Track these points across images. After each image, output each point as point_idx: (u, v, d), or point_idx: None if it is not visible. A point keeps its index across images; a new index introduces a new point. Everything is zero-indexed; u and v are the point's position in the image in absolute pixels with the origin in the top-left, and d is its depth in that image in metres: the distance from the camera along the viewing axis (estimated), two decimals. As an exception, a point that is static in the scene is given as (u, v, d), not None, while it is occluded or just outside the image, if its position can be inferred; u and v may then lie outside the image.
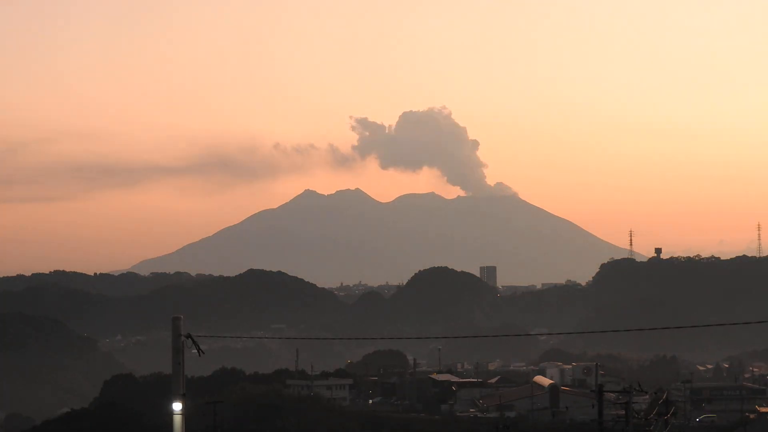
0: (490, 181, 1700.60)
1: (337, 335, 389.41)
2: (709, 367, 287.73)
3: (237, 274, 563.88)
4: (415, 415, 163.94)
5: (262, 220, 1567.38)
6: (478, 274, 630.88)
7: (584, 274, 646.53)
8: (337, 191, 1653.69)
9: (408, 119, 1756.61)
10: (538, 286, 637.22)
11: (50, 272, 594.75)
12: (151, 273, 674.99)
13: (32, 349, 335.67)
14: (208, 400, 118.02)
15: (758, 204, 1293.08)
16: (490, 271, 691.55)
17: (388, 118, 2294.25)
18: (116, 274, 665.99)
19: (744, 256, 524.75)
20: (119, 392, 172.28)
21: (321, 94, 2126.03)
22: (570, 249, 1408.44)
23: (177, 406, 33.81)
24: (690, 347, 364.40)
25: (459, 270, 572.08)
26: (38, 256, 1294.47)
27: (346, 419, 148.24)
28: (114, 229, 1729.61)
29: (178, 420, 33.88)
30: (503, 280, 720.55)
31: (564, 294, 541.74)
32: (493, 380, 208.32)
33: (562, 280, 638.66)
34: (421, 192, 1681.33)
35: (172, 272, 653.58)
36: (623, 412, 63.75)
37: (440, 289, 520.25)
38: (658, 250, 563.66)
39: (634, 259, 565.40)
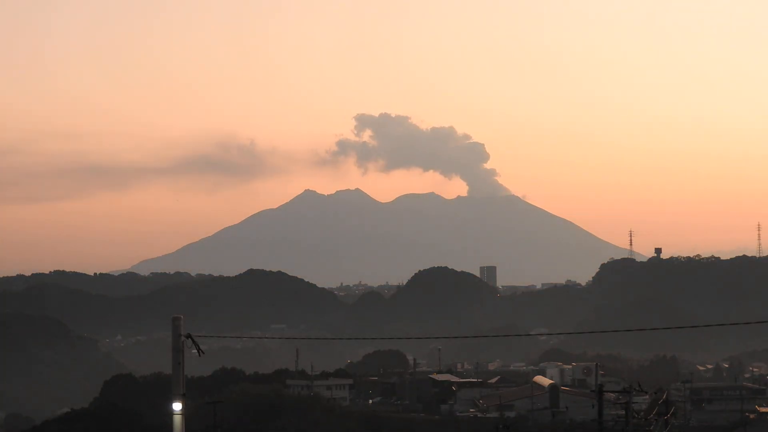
0: (490, 181, 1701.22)
1: (337, 335, 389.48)
2: (709, 367, 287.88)
3: (237, 274, 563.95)
4: (415, 415, 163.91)
5: (262, 220, 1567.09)
6: (478, 274, 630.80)
7: (584, 274, 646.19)
8: (337, 191, 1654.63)
9: (408, 119, 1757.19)
10: (538, 286, 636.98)
11: (50, 272, 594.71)
12: (151, 273, 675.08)
13: (32, 349, 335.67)
14: (208, 400, 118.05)
15: (758, 204, 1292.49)
16: (490, 271, 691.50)
17: (388, 117, 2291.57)
18: (116, 274, 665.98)
19: (744, 256, 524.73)
20: (119, 392, 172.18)
21: (322, 94, 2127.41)
22: (570, 249, 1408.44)
23: (177, 406, 33.81)
24: (690, 347, 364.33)
25: (459, 270, 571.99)
26: (38, 256, 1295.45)
27: (346, 419, 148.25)
28: (114, 229, 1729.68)
29: (178, 420, 33.88)
30: (503, 280, 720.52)
31: (564, 294, 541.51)
32: (493, 380, 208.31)
33: (562, 280, 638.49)
34: (421, 192, 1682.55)
35: (172, 272, 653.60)
36: (623, 412, 63.79)
37: (440, 289, 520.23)
38: (658, 250, 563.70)
39: (634, 259, 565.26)
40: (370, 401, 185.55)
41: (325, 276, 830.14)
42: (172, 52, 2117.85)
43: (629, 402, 63.77)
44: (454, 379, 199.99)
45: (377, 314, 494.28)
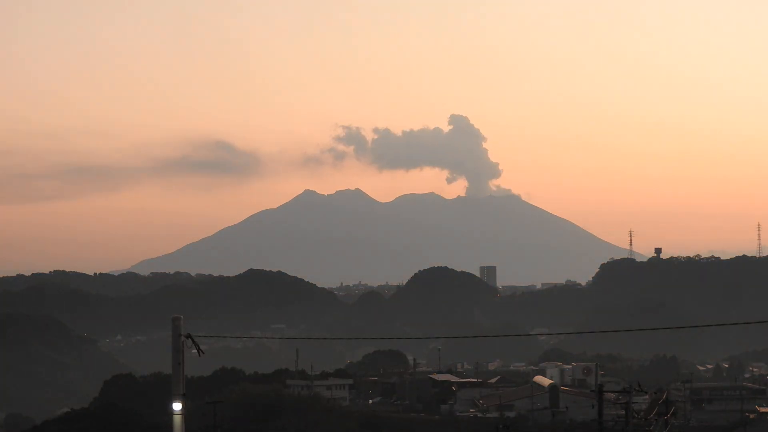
0: (491, 181, 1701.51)
1: (337, 335, 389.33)
2: (709, 367, 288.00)
3: (237, 274, 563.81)
4: (415, 415, 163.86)
5: (262, 220, 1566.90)
6: (478, 274, 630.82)
7: (584, 274, 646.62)
8: (337, 191, 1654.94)
9: (408, 119, 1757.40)
10: (538, 286, 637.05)
11: (50, 272, 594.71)
12: (151, 273, 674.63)
13: (32, 349, 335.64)
14: (208, 400, 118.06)
15: (758, 204, 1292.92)
16: (490, 271, 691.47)
17: (388, 117, 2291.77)
18: (116, 274, 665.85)
19: (744, 256, 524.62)
20: (119, 392, 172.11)
21: (322, 94, 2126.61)
22: (570, 249, 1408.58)
23: (177, 406, 33.80)
24: (690, 347, 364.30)
25: (459, 270, 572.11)
26: (38, 256, 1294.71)
27: (346, 419, 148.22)
28: (114, 229, 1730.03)
29: (178, 420, 33.87)
30: (503, 280, 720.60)
31: (564, 294, 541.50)
32: (493, 380, 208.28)
33: (562, 280, 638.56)
34: (421, 192, 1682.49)
35: (172, 272, 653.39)
36: (623, 412, 63.77)
37: (440, 289, 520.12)
38: (658, 250, 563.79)
39: (634, 259, 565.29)
40: (370, 401, 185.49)
41: (325, 276, 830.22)
42: (167, 52, 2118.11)
43: (629, 402, 63.77)
44: (454, 379, 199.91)
45: (377, 314, 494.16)
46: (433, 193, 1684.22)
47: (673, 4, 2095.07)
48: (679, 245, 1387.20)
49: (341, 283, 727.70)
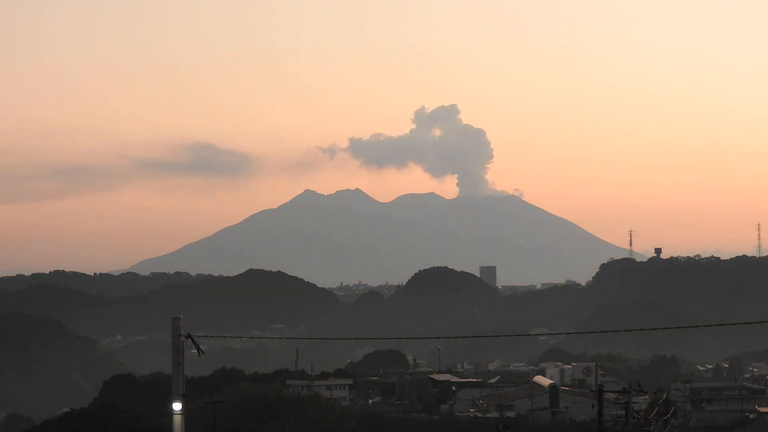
0: (490, 181, 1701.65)
1: (337, 335, 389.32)
2: (709, 367, 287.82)
3: (237, 274, 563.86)
4: (415, 415, 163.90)
5: (262, 220, 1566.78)
6: (478, 274, 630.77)
7: (584, 274, 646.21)
8: (337, 191, 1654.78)
9: (409, 119, 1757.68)
10: (538, 286, 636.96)
11: (50, 272, 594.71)
12: (151, 273, 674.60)
13: (32, 349, 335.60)
14: (208, 400, 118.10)
15: (758, 204, 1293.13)
16: (490, 271, 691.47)
17: (388, 117, 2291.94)
18: (116, 274, 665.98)
19: (744, 256, 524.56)
20: (119, 392, 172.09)
21: (322, 93, 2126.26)
22: (570, 249, 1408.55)
23: (177, 406, 33.80)
24: (690, 347, 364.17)
25: (459, 270, 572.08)
26: (38, 256, 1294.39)
27: (346, 419, 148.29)
28: (114, 229, 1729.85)
29: (178, 420, 33.87)
30: (503, 280, 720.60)
31: (564, 294, 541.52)
32: (493, 380, 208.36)
33: (562, 280, 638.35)
34: (421, 192, 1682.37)
35: (172, 272, 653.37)
36: (623, 412, 63.78)
37: (440, 289, 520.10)
38: (658, 250, 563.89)
39: (634, 259, 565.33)
40: (370, 401, 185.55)
41: (325, 276, 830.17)
42: (167, 51, 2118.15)
43: (629, 402, 63.77)
44: (454, 379, 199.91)
45: (377, 314, 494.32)
46: (433, 193, 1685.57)
47: (674, 4, 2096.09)
48: (679, 245, 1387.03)
49: (341, 283, 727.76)
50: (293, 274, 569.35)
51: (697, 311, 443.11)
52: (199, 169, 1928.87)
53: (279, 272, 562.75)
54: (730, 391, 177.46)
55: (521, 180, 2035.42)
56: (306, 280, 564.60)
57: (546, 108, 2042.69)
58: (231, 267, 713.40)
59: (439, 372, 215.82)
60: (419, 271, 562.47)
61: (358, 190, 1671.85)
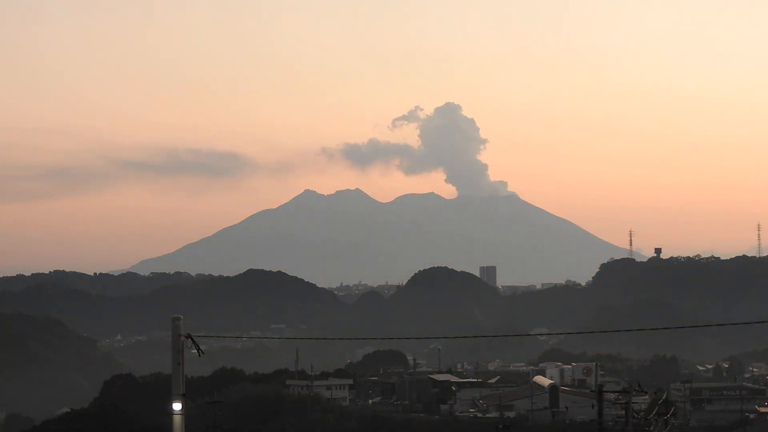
0: (490, 181, 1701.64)
1: (337, 335, 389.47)
2: (709, 367, 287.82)
3: (237, 274, 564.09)
4: (415, 415, 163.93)
5: (262, 220, 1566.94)
6: (478, 274, 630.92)
7: (584, 274, 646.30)
8: (337, 191, 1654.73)
9: (410, 120, 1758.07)
10: (538, 286, 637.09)
11: (50, 272, 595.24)
12: (151, 273, 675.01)
13: (32, 349, 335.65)
14: (208, 400, 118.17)
15: (758, 204, 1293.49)
16: (490, 271, 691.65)
17: (388, 117, 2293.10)
18: (116, 274, 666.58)
19: (744, 256, 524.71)
20: (119, 392, 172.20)
21: (322, 93, 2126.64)
22: (570, 249, 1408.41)
23: (177, 406, 33.77)
24: (690, 347, 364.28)
25: (459, 270, 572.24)
26: (38, 256, 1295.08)
27: (346, 419, 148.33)
28: (114, 229, 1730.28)
29: (178, 420, 33.85)
30: (503, 280, 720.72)
31: (564, 294, 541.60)
32: (493, 380, 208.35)
33: (562, 280, 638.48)
34: (421, 192, 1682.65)
35: (172, 272, 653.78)
36: (623, 412, 63.79)
37: (440, 289, 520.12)
38: (658, 250, 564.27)
39: (634, 259, 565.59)
40: (370, 401, 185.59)
41: (325, 276, 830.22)
42: (166, 52, 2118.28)
43: (629, 402, 63.77)
44: (454, 379, 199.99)
45: (377, 314, 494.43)
46: (432, 193, 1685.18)
47: (671, 7, 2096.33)
48: (679, 245, 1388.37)
49: (341, 283, 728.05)
50: (293, 274, 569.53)
51: (697, 311, 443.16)
52: (199, 170, 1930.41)
53: (279, 272, 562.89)
54: (730, 391, 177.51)
55: (521, 180, 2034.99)
56: (306, 280, 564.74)
57: (546, 108, 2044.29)
58: (231, 267, 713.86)
59: (439, 372, 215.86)
60: (419, 271, 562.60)
61: (358, 190, 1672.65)
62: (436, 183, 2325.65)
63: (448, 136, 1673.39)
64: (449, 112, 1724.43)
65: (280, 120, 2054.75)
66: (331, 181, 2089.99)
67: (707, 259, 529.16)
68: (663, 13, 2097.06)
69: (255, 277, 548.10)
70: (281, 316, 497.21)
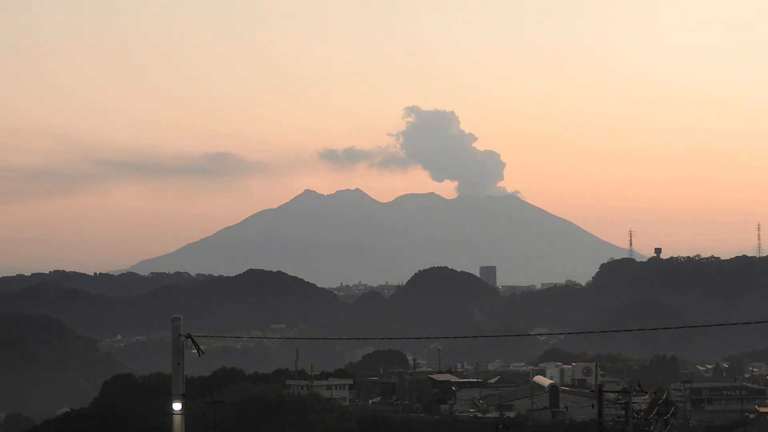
0: (490, 181, 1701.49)
1: (337, 335, 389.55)
2: (709, 367, 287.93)
3: (237, 274, 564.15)
4: (415, 415, 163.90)
5: (262, 220, 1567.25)
6: (478, 274, 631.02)
7: (584, 274, 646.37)
8: (337, 191, 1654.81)
9: (409, 119, 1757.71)
10: (538, 286, 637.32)
11: (50, 272, 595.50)
12: (151, 273, 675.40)
13: (32, 349, 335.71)
14: (208, 400, 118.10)
15: (758, 204, 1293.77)
16: (490, 271, 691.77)
17: (388, 117, 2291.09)
18: (116, 274, 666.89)
19: (744, 256, 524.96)
20: (119, 392, 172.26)
21: (322, 93, 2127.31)
22: (570, 249, 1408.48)
23: (177, 406, 33.77)
24: (690, 347, 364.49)
25: (459, 270, 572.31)
26: (38, 256, 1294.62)
27: (346, 419, 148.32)
28: (114, 229, 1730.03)
29: (178, 420, 33.85)
30: (503, 280, 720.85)
31: (564, 294, 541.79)
32: (493, 380, 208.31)
33: (562, 280, 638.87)
34: (421, 192, 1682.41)
35: (172, 272, 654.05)
36: (623, 412, 63.80)
37: (440, 289, 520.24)
38: (658, 250, 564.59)
39: (634, 259, 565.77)
40: (370, 401, 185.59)
41: (325, 276, 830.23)
42: (167, 53, 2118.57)
43: (629, 402, 63.77)
44: (454, 379, 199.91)
45: (377, 314, 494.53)
46: (432, 193, 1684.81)
47: (668, 5, 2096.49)
48: (679, 245, 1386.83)
49: (341, 283, 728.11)
50: (293, 274, 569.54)
51: (697, 311, 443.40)
52: (199, 170, 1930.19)
53: (279, 272, 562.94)
54: (730, 391, 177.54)
55: (521, 180, 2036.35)
56: (306, 280, 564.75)
57: (546, 108, 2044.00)
58: (231, 267, 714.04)
59: (439, 372, 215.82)
60: (419, 271, 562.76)
61: (358, 190, 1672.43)
62: (436, 183, 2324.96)
63: (448, 137, 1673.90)
64: (450, 112, 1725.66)
65: (281, 120, 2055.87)
66: (331, 181, 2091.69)
67: (707, 259, 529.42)
68: (664, 17, 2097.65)
69: (255, 277, 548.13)
70: (281, 316, 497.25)
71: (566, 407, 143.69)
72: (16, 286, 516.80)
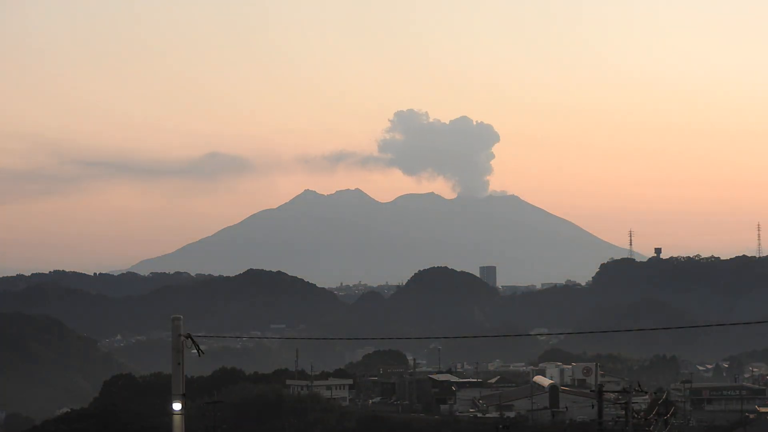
0: (490, 181, 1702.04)
1: (337, 335, 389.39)
2: (709, 367, 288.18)
3: (237, 274, 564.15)
4: (415, 415, 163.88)
5: (262, 220, 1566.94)
6: (478, 274, 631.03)
7: (584, 274, 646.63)
8: (337, 191, 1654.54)
9: (409, 119, 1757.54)
10: (538, 286, 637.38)
11: (50, 272, 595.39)
12: (151, 273, 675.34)
13: (32, 349, 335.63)
14: (208, 400, 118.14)
15: (758, 204, 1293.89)
16: (490, 271, 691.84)
17: (388, 118, 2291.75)
18: (116, 274, 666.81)
19: (744, 256, 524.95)
20: (119, 392, 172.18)
21: (323, 93, 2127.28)
22: (570, 249, 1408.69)
23: (177, 406, 33.80)
24: (690, 347, 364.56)
25: (459, 270, 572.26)
26: (38, 256, 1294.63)
27: (346, 419, 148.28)
28: (114, 229, 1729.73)
29: (178, 420, 33.87)
30: (503, 280, 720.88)
31: (564, 294, 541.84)
32: (493, 380, 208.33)
33: (562, 280, 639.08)
34: (421, 192, 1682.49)
35: (172, 272, 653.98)
36: (623, 412, 63.81)
37: (440, 289, 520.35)
38: (658, 250, 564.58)
39: (634, 259, 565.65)
40: (370, 401, 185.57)
41: (325, 276, 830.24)
42: (171, 53, 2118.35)
43: (629, 402, 63.79)
44: (454, 379, 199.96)
45: (377, 314, 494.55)
46: (432, 193, 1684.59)
47: (669, 5, 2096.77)
48: (679, 245, 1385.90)
49: (341, 283, 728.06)
50: (293, 274, 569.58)
51: (697, 311, 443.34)
52: (199, 170, 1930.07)
53: (279, 272, 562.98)
54: (730, 391, 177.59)
55: (521, 180, 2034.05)
56: (306, 280, 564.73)
57: (546, 108, 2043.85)
58: (231, 267, 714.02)
59: (439, 372, 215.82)
60: (419, 271, 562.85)
61: (358, 190, 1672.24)
62: (436, 183, 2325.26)
63: (448, 137, 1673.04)
64: (450, 112, 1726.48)
65: (281, 120, 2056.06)
66: (331, 181, 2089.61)
67: (707, 259, 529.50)
68: (666, 17, 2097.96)
69: (255, 277, 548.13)
70: (281, 316, 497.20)
71: (566, 407, 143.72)
72: (16, 286, 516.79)
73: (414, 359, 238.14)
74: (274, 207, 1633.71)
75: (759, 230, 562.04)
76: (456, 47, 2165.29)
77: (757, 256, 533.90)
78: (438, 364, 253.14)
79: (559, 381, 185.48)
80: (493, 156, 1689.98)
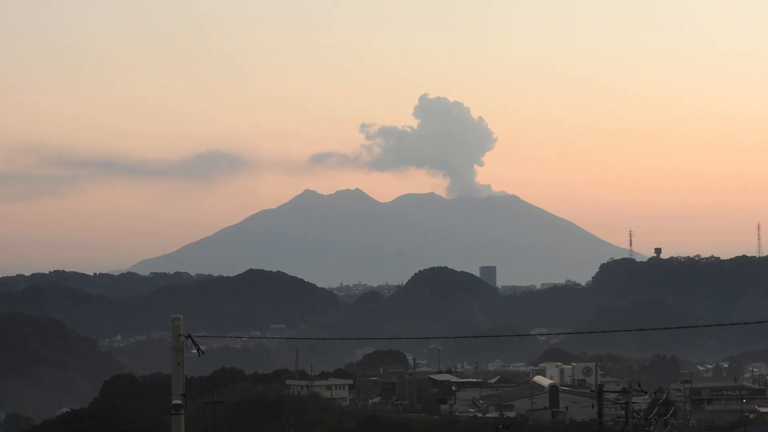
0: (490, 181, 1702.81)
1: (337, 335, 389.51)
2: (709, 367, 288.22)
3: (237, 274, 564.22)
4: (415, 415, 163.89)
5: (262, 220, 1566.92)
6: (478, 274, 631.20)
7: (584, 274, 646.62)
8: (337, 191, 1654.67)
9: (409, 120, 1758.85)
10: (538, 286, 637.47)
11: (50, 272, 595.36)
12: (151, 273, 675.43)
13: (32, 349, 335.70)
14: (208, 400, 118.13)
15: (758, 204, 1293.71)
16: (490, 271, 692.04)
17: (388, 118, 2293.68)
18: (116, 274, 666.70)
19: (744, 256, 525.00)
20: (119, 392, 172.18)
21: (323, 93, 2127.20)
22: (570, 249, 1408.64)
23: (177, 406, 33.75)
24: (690, 347, 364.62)
25: (459, 270, 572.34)
26: (38, 256, 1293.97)
27: (346, 419, 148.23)
28: (114, 229, 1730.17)
29: (178, 420, 33.84)
30: (503, 280, 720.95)
31: (564, 294, 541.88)
32: (493, 380, 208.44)
33: (562, 280, 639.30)
34: (421, 192, 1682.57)
35: (172, 272, 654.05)
36: (623, 412, 63.80)
37: (440, 289, 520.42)
38: (658, 250, 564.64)
39: (634, 259, 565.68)
40: (370, 401, 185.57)
41: (325, 276, 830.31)
42: (176, 53, 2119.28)
43: (629, 402, 63.75)
44: (454, 379, 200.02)
45: (377, 314, 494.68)
46: (432, 193, 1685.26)
47: (668, 11, 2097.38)
48: (679, 245, 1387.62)
49: (341, 283, 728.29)
50: (293, 274, 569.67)
51: (697, 311, 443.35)
52: (199, 170, 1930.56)
53: (279, 272, 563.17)
54: (730, 391, 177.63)
55: (521, 180, 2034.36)
56: (306, 280, 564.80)
57: (546, 108, 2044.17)
58: (231, 267, 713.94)
59: (439, 372, 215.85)
60: (419, 271, 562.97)
61: (358, 190, 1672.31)
62: (436, 183, 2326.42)
63: (449, 137, 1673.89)
64: (450, 112, 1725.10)
65: (281, 120, 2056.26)
66: (331, 181, 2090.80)
67: (707, 259, 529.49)
68: (663, 19, 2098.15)
69: (255, 277, 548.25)
70: (281, 316, 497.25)
71: (566, 407, 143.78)
72: (16, 286, 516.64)
73: (414, 359, 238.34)
74: (274, 207, 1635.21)
75: (759, 230, 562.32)
76: (456, 46, 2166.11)
77: (757, 256, 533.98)
78: (438, 364, 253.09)
79: (559, 381, 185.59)
80: (493, 156, 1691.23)
